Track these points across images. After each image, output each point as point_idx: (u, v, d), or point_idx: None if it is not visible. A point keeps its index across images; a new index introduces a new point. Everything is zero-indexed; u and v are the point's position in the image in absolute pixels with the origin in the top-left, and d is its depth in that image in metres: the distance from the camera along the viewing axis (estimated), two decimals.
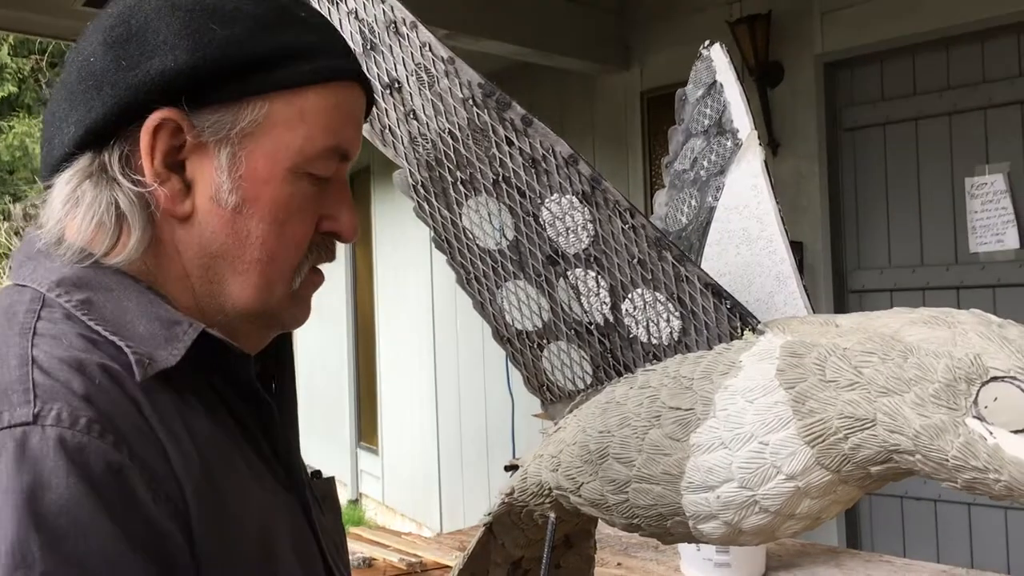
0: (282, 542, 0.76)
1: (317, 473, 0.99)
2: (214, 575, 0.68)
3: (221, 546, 0.69)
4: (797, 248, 3.52)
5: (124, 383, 0.68)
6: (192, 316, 0.77)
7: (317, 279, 0.84)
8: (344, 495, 7.40)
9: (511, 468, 1.12)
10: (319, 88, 0.78)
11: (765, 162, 1.12)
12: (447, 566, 1.86)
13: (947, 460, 0.73)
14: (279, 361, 0.89)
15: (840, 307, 3.53)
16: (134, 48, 0.75)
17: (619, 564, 1.84)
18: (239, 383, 0.78)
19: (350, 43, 0.98)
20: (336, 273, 7.41)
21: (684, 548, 1.76)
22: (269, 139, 0.76)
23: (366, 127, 0.98)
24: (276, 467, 0.81)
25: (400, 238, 6.12)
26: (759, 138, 1.14)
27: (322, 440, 8.01)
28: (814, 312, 0.98)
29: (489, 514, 1.12)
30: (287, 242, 0.78)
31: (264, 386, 0.84)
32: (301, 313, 0.83)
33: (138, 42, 0.75)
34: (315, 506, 0.88)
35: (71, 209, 0.76)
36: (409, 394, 6.31)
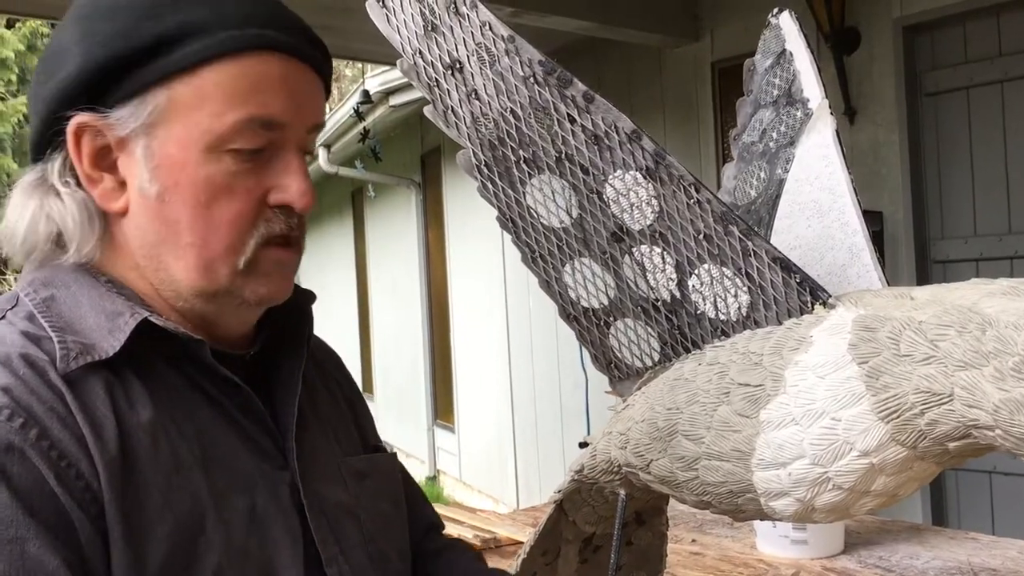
0: (227, 518, 0.77)
1: (379, 449, 1.00)
2: (121, 549, 0.71)
3: (131, 524, 0.72)
4: (877, 218, 3.40)
5: (48, 374, 0.73)
6: (154, 303, 0.81)
7: (282, 255, 0.83)
8: (422, 472, 7.51)
9: (585, 445, 1.12)
10: (214, 64, 0.77)
11: (837, 132, 1.09)
12: (521, 542, 1.87)
13: None
14: (286, 347, 0.89)
15: (923, 278, 3.42)
16: (52, 62, 0.79)
17: (693, 541, 1.83)
18: (207, 369, 0.80)
19: (410, 24, 0.97)
20: (409, 253, 7.49)
21: (760, 525, 1.74)
22: (178, 124, 0.77)
23: (428, 108, 0.98)
24: (268, 448, 0.83)
25: (471, 216, 6.15)
26: (834, 107, 1.11)
27: (399, 419, 8.13)
28: (889, 285, 0.95)
29: (559, 491, 1.12)
30: (216, 223, 0.79)
31: (268, 370, 0.87)
32: (264, 288, 0.82)
33: (56, 56, 0.79)
34: (337, 483, 0.88)
35: (18, 218, 0.81)
36: (484, 372, 6.35)
